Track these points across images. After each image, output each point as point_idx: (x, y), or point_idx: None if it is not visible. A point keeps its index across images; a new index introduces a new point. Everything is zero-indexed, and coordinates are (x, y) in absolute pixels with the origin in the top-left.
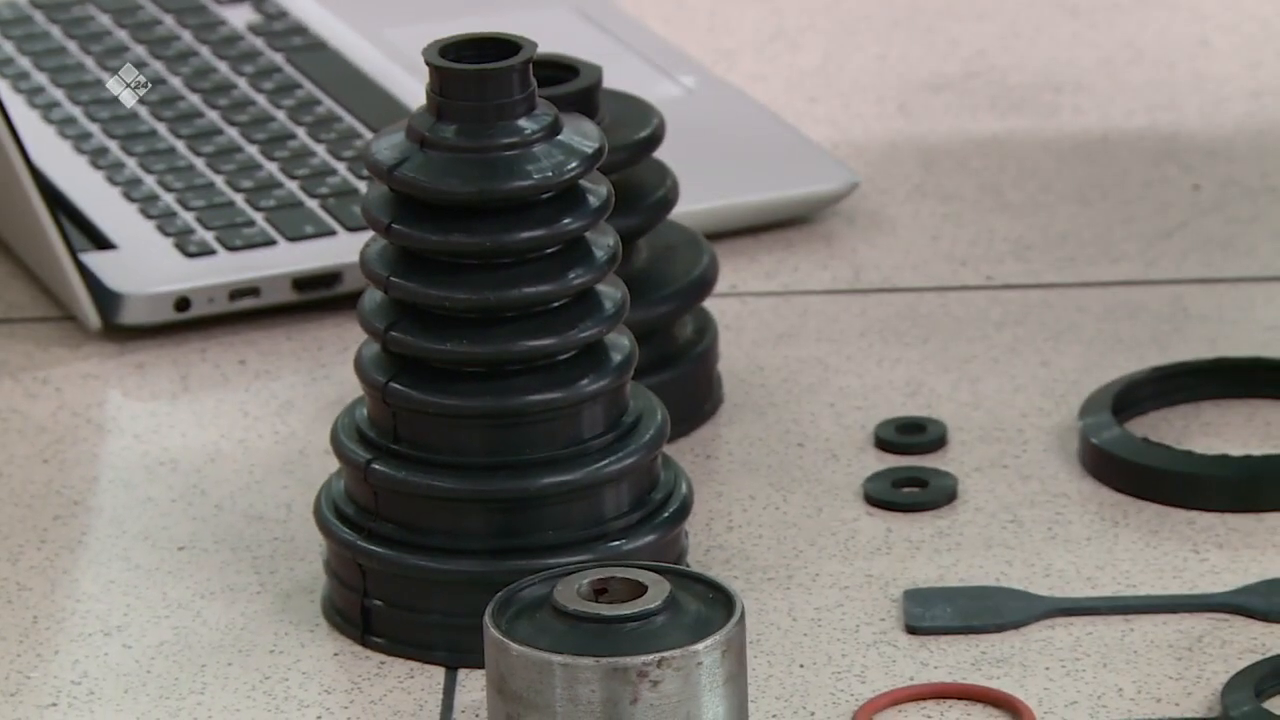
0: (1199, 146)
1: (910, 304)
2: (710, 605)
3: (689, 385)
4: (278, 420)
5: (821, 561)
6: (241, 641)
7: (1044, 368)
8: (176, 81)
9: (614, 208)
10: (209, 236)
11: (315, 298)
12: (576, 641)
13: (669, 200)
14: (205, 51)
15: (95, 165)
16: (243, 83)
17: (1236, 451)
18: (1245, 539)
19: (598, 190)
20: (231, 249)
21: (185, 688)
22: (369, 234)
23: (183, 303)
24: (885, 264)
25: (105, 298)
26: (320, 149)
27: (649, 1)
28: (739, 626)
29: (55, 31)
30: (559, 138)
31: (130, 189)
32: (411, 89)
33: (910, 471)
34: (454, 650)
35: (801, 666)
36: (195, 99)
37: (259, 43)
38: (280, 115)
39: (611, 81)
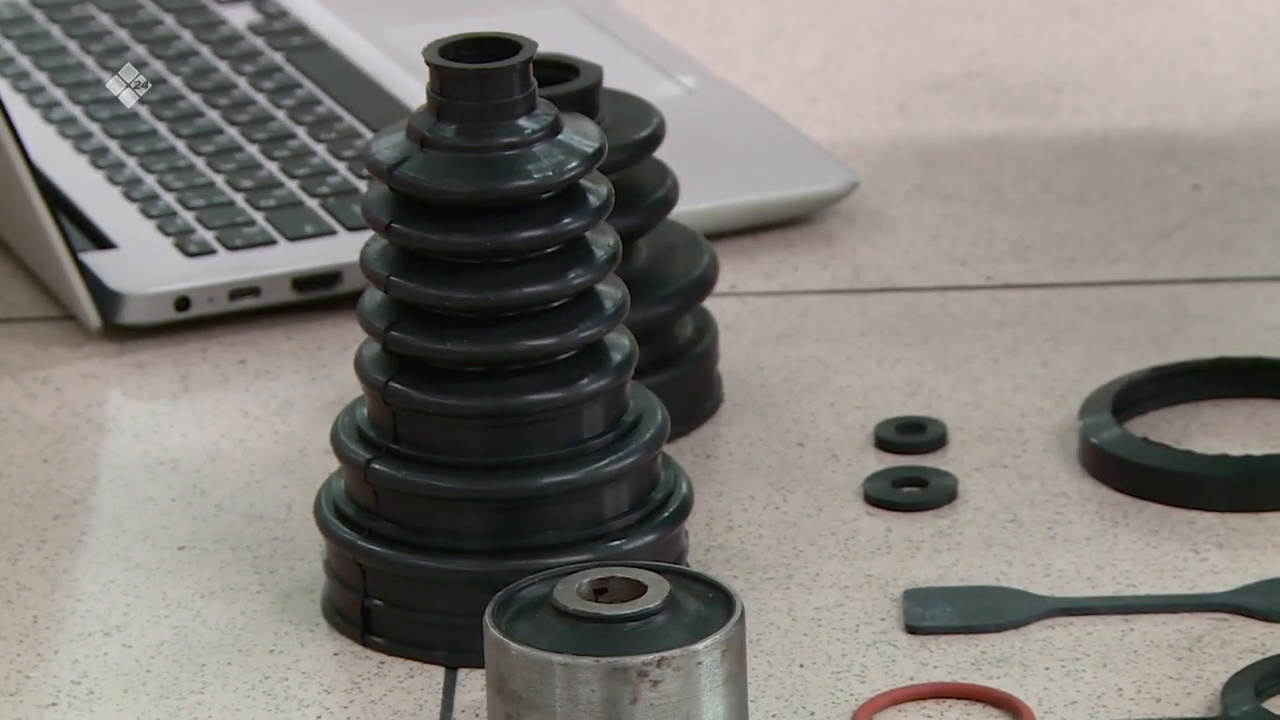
0: (1199, 146)
1: (910, 304)
2: (710, 605)
3: (689, 385)
4: (278, 420)
5: (821, 561)
6: (241, 641)
7: (1044, 368)
8: (176, 81)
9: (614, 207)
10: (209, 236)
11: (315, 297)
12: (576, 641)
13: (669, 200)
14: (205, 51)
15: (95, 165)
16: (243, 82)
17: (1236, 451)
18: (1245, 539)
19: (598, 190)
20: (231, 248)
21: (185, 687)
22: (369, 234)
23: (183, 302)
24: (885, 264)
25: (105, 297)
26: (320, 149)
27: (649, 1)
28: (739, 626)
29: (55, 31)
30: (559, 137)
31: (130, 188)
32: (411, 89)
33: (910, 471)
34: (454, 650)
35: (801, 666)
36: (195, 99)
37: (259, 42)
38: (280, 115)
39: (611, 81)
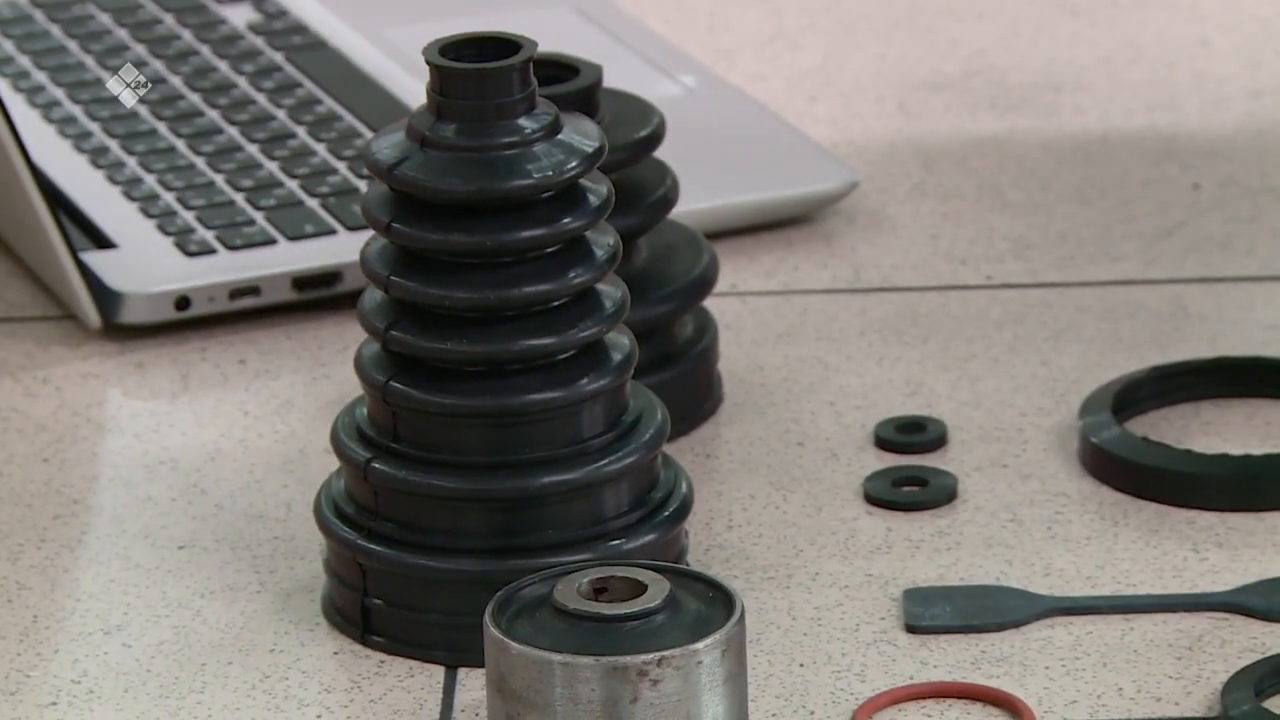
0: (1199, 146)
1: (910, 303)
2: (710, 604)
3: (689, 385)
4: (278, 420)
5: (821, 561)
6: (241, 641)
7: (1044, 367)
8: (176, 81)
9: (614, 207)
10: (209, 235)
11: (315, 297)
12: (576, 640)
13: (669, 200)
14: (205, 51)
15: (95, 164)
16: (243, 82)
17: (1236, 451)
18: (1245, 538)
19: (598, 189)
20: (231, 248)
21: (185, 687)
22: (369, 233)
23: (183, 302)
24: (885, 263)
25: (105, 297)
26: (320, 148)
27: (649, 1)
28: (739, 626)
29: (55, 31)
30: (559, 137)
31: (130, 188)
32: (411, 89)
33: (910, 471)
34: (454, 649)
35: (801, 666)
36: (195, 98)
37: (259, 42)
38: (280, 114)
39: (611, 81)
